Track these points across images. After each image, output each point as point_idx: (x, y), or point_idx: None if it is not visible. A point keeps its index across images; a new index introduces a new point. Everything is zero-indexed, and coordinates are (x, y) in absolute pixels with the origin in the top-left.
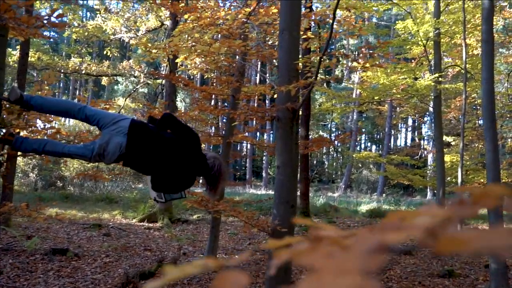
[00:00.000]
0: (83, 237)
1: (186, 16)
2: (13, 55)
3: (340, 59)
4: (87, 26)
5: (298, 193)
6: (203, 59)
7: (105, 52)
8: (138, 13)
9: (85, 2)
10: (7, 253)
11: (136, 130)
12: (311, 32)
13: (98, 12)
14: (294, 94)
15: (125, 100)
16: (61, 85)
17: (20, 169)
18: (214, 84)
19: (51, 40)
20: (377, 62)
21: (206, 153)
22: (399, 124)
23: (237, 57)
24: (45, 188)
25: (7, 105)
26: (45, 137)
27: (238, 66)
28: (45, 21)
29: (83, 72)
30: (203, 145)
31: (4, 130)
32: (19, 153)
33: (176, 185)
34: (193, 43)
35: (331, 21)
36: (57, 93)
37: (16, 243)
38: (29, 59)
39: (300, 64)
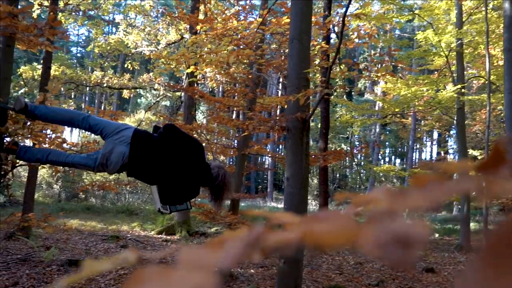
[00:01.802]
0: (101, 249)
1: (198, 27)
2: (38, 69)
3: (363, 72)
4: (109, 40)
5: (317, 207)
6: (214, 69)
7: (126, 66)
8: (159, 27)
9: (110, 17)
10: (24, 263)
11: (139, 140)
12: (324, 42)
13: (121, 25)
14: (302, 103)
15: (146, 113)
16: (86, 98)
17: (44, 180)
18: (236, 96)
19: (78, 54)
20: (396, 72)
21: (210, 163)
22: (424, 138)
23: (253, 68)
24: (68, 200)
25: (13, 115)
26: (57, 148)
27: (254, 77)
28: (42, 29)
29: (105, 85)
30: (222, 158)
31: (8, 139)
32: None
33: (180, 196)
34: (202, 53)
35: (351, 32)
36: (82, 106)
37: (34, 253)
38: (54, 73)
39: (318, 76)
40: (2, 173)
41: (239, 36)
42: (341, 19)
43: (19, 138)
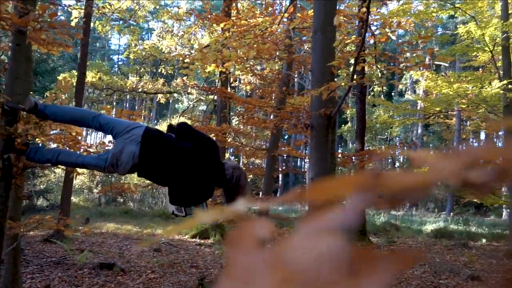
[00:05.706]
0: (134, 252)
1: (222, 25)
2: (75, 76)
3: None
4: (143, 46)
5: None
6: (234, 66)
7: (159, 70)
8: (192, 31)
9: (146, 24)
10: (58, 266)
11: (150, 139)
12: (355, 36)
13: (155, 31)
14: (326, 98)
15: (179, 117)
16: (127, 104)
17: (85, 185)
18: (265, 96)
19: (119, 62)
20: (438, 71)
21: (225, 163)
22: (470, 139)
23: (283, 67)
24: (108, 204)
25: (24, 115)
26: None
27: (283, 76)
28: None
29: (140, 90)
30: (258, 161)
31: (18, 140)
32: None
33: (193, 197)
34: (221, 50)
35: (388, 27)
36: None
37: (68, 256)
38: (91, 79)
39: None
40: (12, 174)
41: (261, 32)
42: (366, 8)
43: (30, 138)
